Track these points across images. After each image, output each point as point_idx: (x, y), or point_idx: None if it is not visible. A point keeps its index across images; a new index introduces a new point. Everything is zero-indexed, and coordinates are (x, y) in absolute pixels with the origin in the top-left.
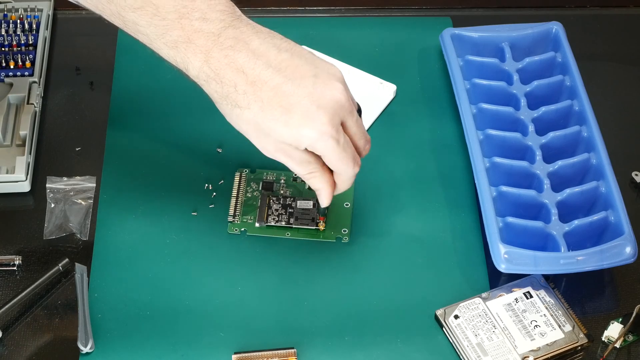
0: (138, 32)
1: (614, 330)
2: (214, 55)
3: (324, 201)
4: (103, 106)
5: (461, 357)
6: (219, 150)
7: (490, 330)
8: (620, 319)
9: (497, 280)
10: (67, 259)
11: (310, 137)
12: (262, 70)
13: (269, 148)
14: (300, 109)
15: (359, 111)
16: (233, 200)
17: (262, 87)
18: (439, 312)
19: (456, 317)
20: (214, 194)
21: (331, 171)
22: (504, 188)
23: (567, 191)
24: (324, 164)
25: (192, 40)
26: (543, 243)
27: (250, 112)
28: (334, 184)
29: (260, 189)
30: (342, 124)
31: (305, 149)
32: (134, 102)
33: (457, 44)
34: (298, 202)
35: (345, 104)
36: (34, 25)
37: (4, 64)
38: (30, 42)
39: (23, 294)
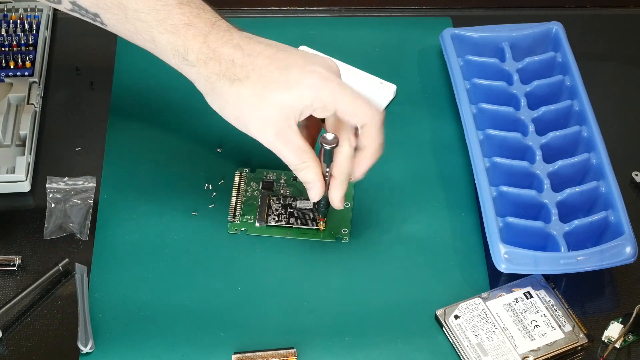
0: (138, 20)
1: (614, 330)
2: (211, 37)
3: (315, 195)
4: (103, 106)
5: (461, 357)
6: (219, 150)
7: (490, 330)
8: (620, 319)
9: (497, 280)
10: (67, 259)
11: (313, 84)
12: (256, 44)
13: (269, 132)
14: (297, 67)
15: None
16: (233, 200)
17: (258, 57)
18: (439, 312)
19: (456, 317)
20: (214, 194)
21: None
22: (504, 188)
23: (567, 191)
24: (316, 157)
25: (192, 24)
26: (543, 243)
27: (250, 81)
28: (324, 180)
29: (260, 188)
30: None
31: (303, 137)
32: (134, 102)
33: (457, 44)
34: (298, 201)
35: (338, 71)
36: (34, 25)
37: (4, 64)
38: (30, 42)
39: (23, 294)
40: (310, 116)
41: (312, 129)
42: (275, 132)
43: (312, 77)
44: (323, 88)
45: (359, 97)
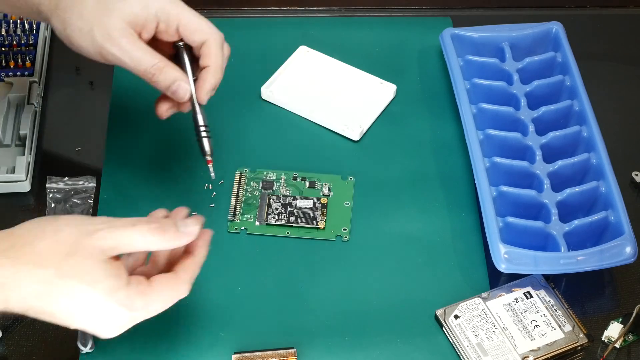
0: None
1: (614, 330)
2: None
3: (184, 91)
4: (103, 106)
5: (461, 357)
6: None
7: (490, 330)
8: (620, 319)
9: (497, 280)
10: None
11: None
12: None
13: (113, 36)
14: None
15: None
16: (233, 199)
17: None
18: (439, 312)
19: (456, 317)
20: (214, 193)
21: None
22: (504, 188)
23: (567, 191)
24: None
25: None
26: (543, 243)
27: None
28: (186, 78)
29: (260, 188)
30: None
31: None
32: (134, 102)
33: (457, 44)
34: (298, 201)
35: None
36: (34, 25)
37: (4, 64)
38: (30, 42)
39: None
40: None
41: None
42: (120, 36)
43: None
44: (169, 1)
45: (202, 17)
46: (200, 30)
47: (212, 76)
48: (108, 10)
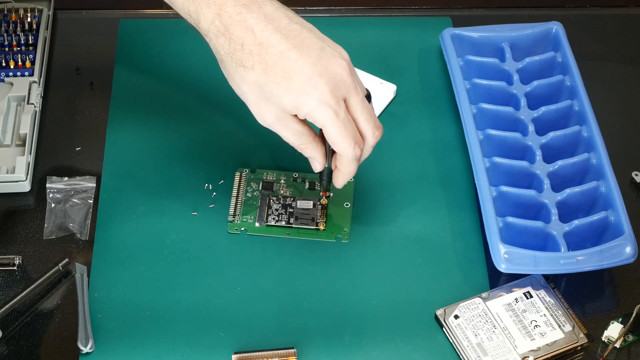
0: None
1: (614, 330)
2: (227, 10)
3: (316, 167)
4: (103, 106)
5: (461, 357)
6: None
7: (490, 330)
8: (620, 319)
9: (497, 280)
10: (67, 259)
11: (309, 104)
12: (270, 33)
13: (267, 117)
14: (302, 76)
15: (368, 97)
16: (233, 200)
17: (268, 49)
18: (439, 312)
19: (456, 317)
20: (214, 193)
21: (324, 142)
22: (504, 188)
23: (567, 191)
24: (316, 136)
25: None
26: (543, 243)
27: (254, 73)
28: (325, 153)
29: (260, 188)
30: (345, 102)
31: (302, 121)
32: (134, 102)
33: (457, 44)
34: (298, 202)
35: (348, 80)
36: (34, 25)
37: (4, 64)
38: (30, 42)
39: (23, 294)
40: None
41: None
42: (272, 118)
43: (311, 95)
44: (317, 111)
45: (344, 131)
46: (335, 144)
47: (340, 177)
48: (265, 98)
